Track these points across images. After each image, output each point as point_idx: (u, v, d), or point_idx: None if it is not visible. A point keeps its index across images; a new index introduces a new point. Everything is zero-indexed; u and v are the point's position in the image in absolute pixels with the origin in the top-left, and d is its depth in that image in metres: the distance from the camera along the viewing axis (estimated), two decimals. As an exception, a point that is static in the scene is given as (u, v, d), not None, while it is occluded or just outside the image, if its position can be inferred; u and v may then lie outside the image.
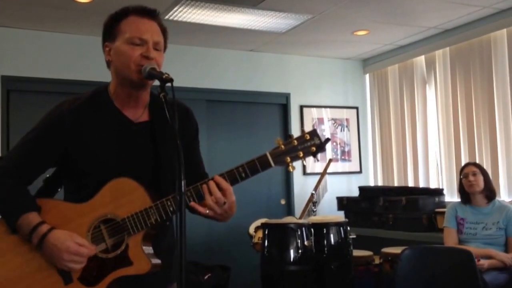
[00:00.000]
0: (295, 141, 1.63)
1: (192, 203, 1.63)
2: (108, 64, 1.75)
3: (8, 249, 1.66)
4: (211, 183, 1.62)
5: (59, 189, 1.84)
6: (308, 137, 1.64)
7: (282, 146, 1.63)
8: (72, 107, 1.72)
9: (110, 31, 1.71)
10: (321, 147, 1.62)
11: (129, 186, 1.65)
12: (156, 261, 1.66)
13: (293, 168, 1.63)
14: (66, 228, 1.64)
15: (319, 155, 1.66)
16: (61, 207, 1.69)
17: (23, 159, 1.70)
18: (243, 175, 1.62)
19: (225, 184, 1.62)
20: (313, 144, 1.63)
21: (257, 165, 1.62)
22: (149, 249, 1.67)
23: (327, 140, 1.65)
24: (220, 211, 1.63)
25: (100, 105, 1.74)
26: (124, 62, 1.66)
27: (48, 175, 1.83)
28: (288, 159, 1.62)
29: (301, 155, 1.62)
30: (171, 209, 1.62)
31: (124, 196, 1.64)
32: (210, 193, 1.61)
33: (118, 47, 1.68)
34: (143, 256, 1.63)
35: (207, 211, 1.63)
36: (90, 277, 1.63)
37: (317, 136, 1.64)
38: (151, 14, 1.71)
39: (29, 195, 1.70)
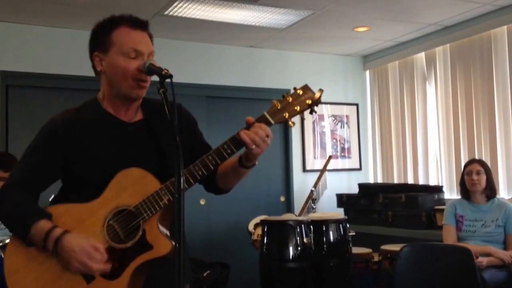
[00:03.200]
0: (290, 98, 1.66)
1: (241, 134, 1.62)
2: (97, 73, 1.75)
3: (27, 261, 1.64)
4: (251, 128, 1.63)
5: None
6: (301, 92, 1.67)
7: (278, 105, 1.66)
8: (64, 117, 1.73)
9: (101, 41, 1.70)
10: (316, 99, 1.66)
11: (136, 174, 1.65)
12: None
13: (293, 123, 1.66)
14: (81, 228, 1.63)
15: (316, 116, 1.68)
16: (73, 210, 1.67)
17: (25, 173, 1.70)
18: None
19: (258, 124, 1.63)
20: (307, 97, 1.66)
21: None
22: (166, 231, 1.65)
23: (320, 90, 1.68)
24: (264, 147, 1.63)
25: (92, 113, 1.75)
26: (120, 76, 1.67)
27: (54, 195, 1.82)
28: (286, 114, 1.65)
29: (298, 109, 1.65)
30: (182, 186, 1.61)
31: (133, 185, 1.64)
32: (254, 134, 1.62)
33: (113, 60, 1.68)
34: (162, 237, 1.61)
35: (253, 146, 1.62)
36: (112, 270, 1.61)
37: (309, 89, 1.67)
38: (143, 26, 1.71)
39: (36, 204, 1.69)
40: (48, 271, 1.62)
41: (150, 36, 1.75)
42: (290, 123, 1.66)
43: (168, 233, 1.65)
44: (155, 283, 1.68)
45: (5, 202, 1.66)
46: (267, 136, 1.63)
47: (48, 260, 1.62)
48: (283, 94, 1.68)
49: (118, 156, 1.69)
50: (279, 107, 1.65)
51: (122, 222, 1.64)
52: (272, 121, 1.65)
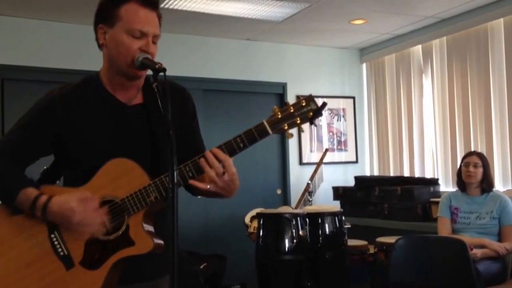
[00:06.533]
0: (291, 108, 1.57)
1: (191, 181, 1.59)
2: (100, 46, 1.71)
3: (5, 239, 1.64)
4: (209, 154, 1.57)
5: (57, 181, 1.82)
6: (304, 103, 1.57)
7: (279, 114, 1.57)
8: (62, 93, 1.70)
9: (108, 14, 1.66)
10: (318, 112, 1.57)
11: (126, 166, 1.62)
12: (159, 241, 1.62)
13: (291, 135, 1.58)
14: None
15: (316, 122, 1.61)
16: (60, 192, 1.65)
17: (15, 145, 1.68)
18: (241, 145, 1.57)
19: (222, 155, 1.57)
20: (309, 109, 1.56)
21: (254, 134, 1.56)
22: (150, 228, 1.63)
23: (324, 104, 1.58)
24: (221, 184, 1.59)
25: (91, 89, 1.71)
26: (121, 53, 1.63)
27: (45, 167, 1.80)
28: (286, 126, 1.56)
29: (298, 121, 1.56)
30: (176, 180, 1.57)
31: (122, 177, 1.61)
32: (209, 165, 1.56)
33: (116, 35, 1.64)
34: (144, 235, 1.59)
35: (208, 186, 1.59)
36: (92, 261, 1.60)
37: (313, 101, 1.57)
38: (153, 4, 1.68)
39: (24, 174, 1.68)
40: (28, 252, 1.62)
41: (159, 16, 1.71)
42: (287, 134, 1.57)
43: (152, 230, 1.63)
44: (133, 267, 1.67)
45: None
46: (224, 173, 1.56)
47: (29, 241, 1.62)
48: (285, 101, 1.61)
49: (111, 140, 1.66)
50: (279, 116, 1.56)
51: (109, 214, 1.62)
52: (271, 132, 1.56)
